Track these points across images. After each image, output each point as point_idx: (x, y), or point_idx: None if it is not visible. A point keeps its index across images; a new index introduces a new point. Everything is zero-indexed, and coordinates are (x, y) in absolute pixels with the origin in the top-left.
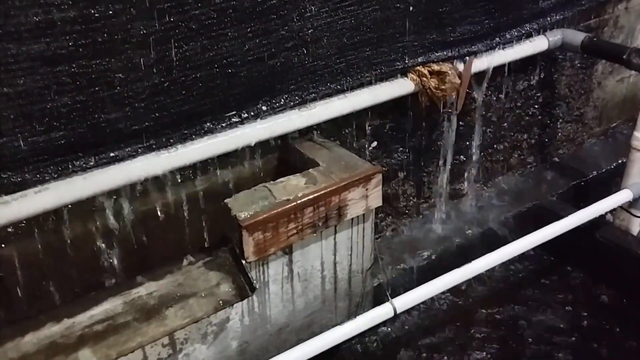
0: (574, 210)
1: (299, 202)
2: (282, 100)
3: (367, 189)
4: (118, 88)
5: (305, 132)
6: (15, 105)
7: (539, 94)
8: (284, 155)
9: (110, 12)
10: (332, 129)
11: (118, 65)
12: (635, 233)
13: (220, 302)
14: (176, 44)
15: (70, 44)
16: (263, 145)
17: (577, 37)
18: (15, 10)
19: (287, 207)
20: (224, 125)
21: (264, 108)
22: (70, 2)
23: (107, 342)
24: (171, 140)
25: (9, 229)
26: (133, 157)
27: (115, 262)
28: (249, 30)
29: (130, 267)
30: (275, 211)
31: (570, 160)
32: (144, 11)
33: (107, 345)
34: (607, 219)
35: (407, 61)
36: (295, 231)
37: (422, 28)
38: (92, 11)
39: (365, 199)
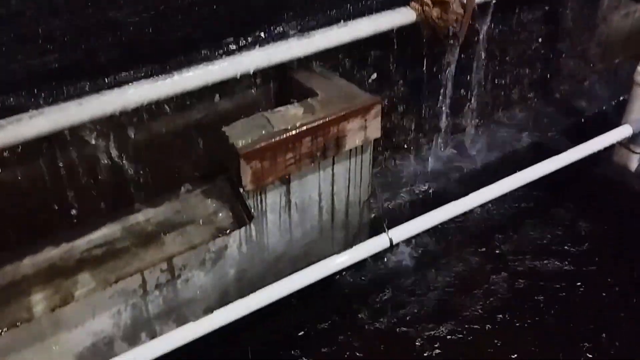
0: (573, 146)
1: (297, 131)
2: (281, 27)
3: (366, 120)
4: (113, 12)
5: (304, 62)
6: (8, 27)
7: (542, 28)
8: (282, 85)
9: None
10: (332, 59)
11: None
12: (633, 169)
13: (218, 230)
14: None
15: None
16: (261, 74)
17: None
18: None
19: (285, 136)
20: (221, 52)
21: (263, 35)
22: None
23: (106, 266)
24: (168, 67)
25: (5, 154)
26: (129, 83)
27: (113, 189)
28: None
29: (128, 195)
30: (273, 140)
31: (572, 96)
32: None
33: (106, 270)
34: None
35: None
36: (293, 161)
37: None
38: None
39: (364, 130)
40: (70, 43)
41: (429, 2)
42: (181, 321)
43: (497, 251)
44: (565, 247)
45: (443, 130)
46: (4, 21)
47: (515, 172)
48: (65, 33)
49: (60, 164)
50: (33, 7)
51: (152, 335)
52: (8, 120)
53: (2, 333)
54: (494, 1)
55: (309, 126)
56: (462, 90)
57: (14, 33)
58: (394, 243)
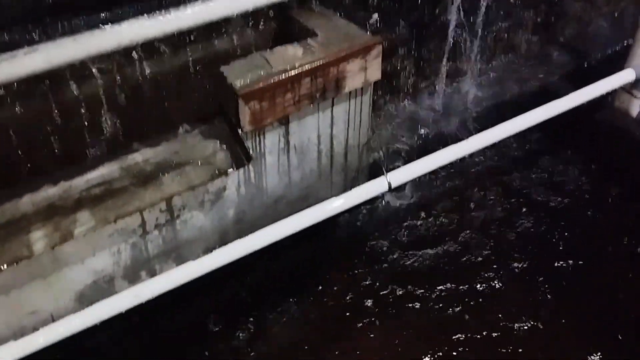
0: (575, 90)
1: (296, 72)
2: None
3: (366, 61)
4: None
5: (303, 1)
6: None
7: None
8: (281, 25)
9: None
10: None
11: None
12: (634, 115)
13: (217, 170)
14: None
15: None
16: (260, 14)
17: None
18: None
19: (284, 76)
20: None
21: None
22: None
23: (105, 205)
24: (164, 3)
25: (0, 91)
26: (125, 20)
27: (111, 129)
28: None
29: (125, 134)
30: (272, 80)
31: (576, 40)
32: None
33: (105, 209)
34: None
35: None
36: (292, 102)
37: None
38: None
39: (364, 72)
40: None
41: None
42: (181, 261)
43: (494, 193)
44: (564, 189)
45: (444, 73)
46: None
47: (516, 116)
48: None
49: (56, 103)
50: None
51: (152, 274)
52: (2, 57)
53: (3, 269)
54: None
55: (309, 66)
56: (465, 33)
57: None
58: (393, 186)
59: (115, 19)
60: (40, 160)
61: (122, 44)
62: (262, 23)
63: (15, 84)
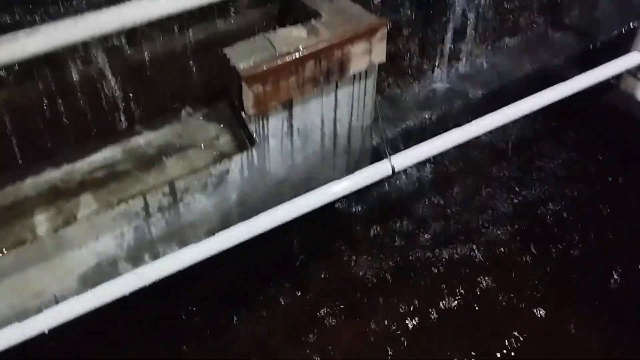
0: (581, 73)
1: (300, 55)
2: None
3: (371, 43)
4: None
5: None
6: None
7: None
8: (284, 5)
9: None
10: None
11: None
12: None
13: (220, 154)
14: None
15: None
16: None
17: None
18: None
19: (288, 59)
20: None
21: None
22: None
23: (108, 188)
24: None
25: (1, 73)
26: (127, 0)
27: (113, 111)
28: None
29: (128, 117)
30: (276, 63)
31: (581, 22)
32: None
33: (108, 192)
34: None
35: None
36: (296, 85)
37: None
38: None
39: (368, 54)
40: None
41: None
42: (184, 243)
43: (501, 176)
44: (570, 174)
45: (448, 55)
46: None
47: (520, 99)
48: None
49: (58, 84)
50: None
51: (156, 257)
52: (4, 38)
53: (7, 252)
54: None
55: (313, 49)
56: (470, 15)
57: None
58: (396, 170)
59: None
60: (42, 142)
61: (125, 24)
62: (265, 3)
63: (17, 65)
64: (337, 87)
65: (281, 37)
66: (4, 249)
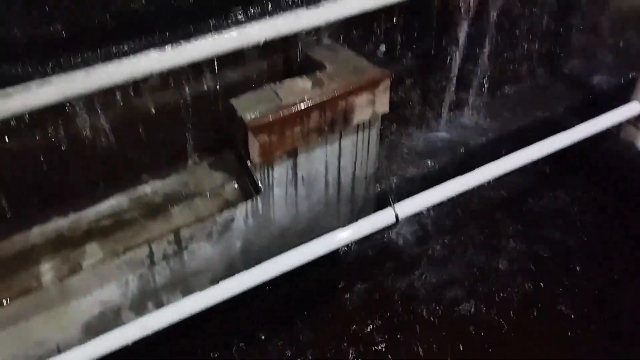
0: (580, 122)
1: (305, 105)
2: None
3: (374, 94)
4: None
5: (312, 32)
6: None
7: (553, 2)
8: (290, 57)
9: None
10: (340, 29)
11: None
12: None
13: (225, 202)
14: None
15: None
16: (269, 45)
17: None
18: None
19: (293, 110)
20: (230, 22)
21: (271, 5)
22: None
23: (114, 237)
24: (176, 36)
25: (12, 123)
26: (136, 53)
27: (120, 159)
28: None
29: (135, 166)
30: (282, 114)
31: (581, 72)
32: None
33: (114, 240)
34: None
35: None
36: (301, 135)
37: None
38: None
39: (372, 105)
40: (78, 10)
41: None
42: (188, 292)
43: (502, 225)
44: (569, 221)
45: (450, 103)
46: None
47: (522, 147)
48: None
49: (65, 133)
50: None
51: (159, 305)
52: (15, 88)
53: (12, 301)
54: None
55: (318, 100)
56: (471, 64)
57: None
58: (400, 218)
59: (128, 51)
60: (50, 191)
61: (134, 76)
62: (271, 54)
63: (27, 115)
64: (341, 136)
65: (287, 88)
66: (8, 298)
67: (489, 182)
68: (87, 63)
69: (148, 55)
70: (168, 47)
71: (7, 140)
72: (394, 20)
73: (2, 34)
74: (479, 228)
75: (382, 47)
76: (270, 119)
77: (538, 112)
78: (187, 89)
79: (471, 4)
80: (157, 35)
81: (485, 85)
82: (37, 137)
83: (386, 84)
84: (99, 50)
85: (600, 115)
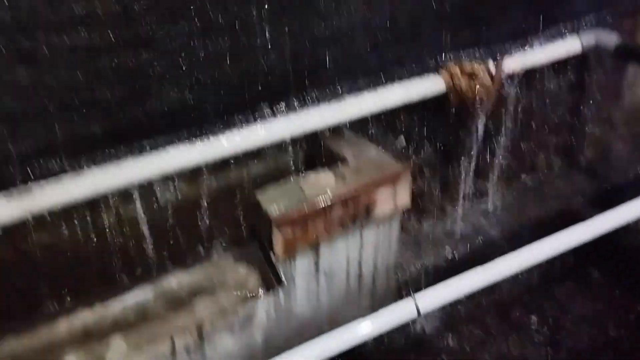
0: (598, 214)
1: (329, 200)
2: (315, 93)
3: (395, 189)
4: (155, 80)
5: (334, 127)
6: (57, 96)
7: (568, 95)
8: (312, 149)
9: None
10: (361, 123)
11: (156, 58)
12: None
13: (248, 294)
14: (204, 41)
15: (111, 36)
16: (292, 139)
17: (610, 39)
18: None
19: (317, 206)
20: (256, 117)
21: (297, 102)
22: None
23: (138, 329)
24: (205, 132)
25: (46, 214)
26: (167, 147)
27: (146, 251)
28: (285, 26)
29: (160, 257)
30: (306, 209)
31: (598, 163)
32: (180, 9)
33: (138, 333)
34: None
35: (438, 59)
36: (324, 229)
37: (456, 25)
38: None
39: (393, 199)
40: (115, 110)
41: (458, 73)
42: None
43: (525, 319)
44: (591, 316)
45: (469, 195)
46: (53, 91)
47: (540, 238)
48: (109, 101)
49: (92, 226)
50: (81, 78)
51: None
52: (48, 182)
53: None
54: (521, 71)
55: (341, 195)
56: (488, 156)
57: (60, 101)
58: (421, 313)
59: (159, 146)
60: (77, 283)
61: (164, 171)
62: (294, 146)
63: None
64: (362, 228)
65: (310, 183)
66: None
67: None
68: (119, 157)
69: (178, 150)
70: (197, 143)
71: (37, 233)
72: (413, 114)
73: (41, 130)
74: (497, 319)
75: (402, 140)
76: (295, 215)
77: (556, 203)
78: (212, 180)
79: (487, 99)
80: (187, 130)
81: (502, 177)
82: (66, 231)
83: (407, 178)
84: (132, 145)
85: (618, 208)
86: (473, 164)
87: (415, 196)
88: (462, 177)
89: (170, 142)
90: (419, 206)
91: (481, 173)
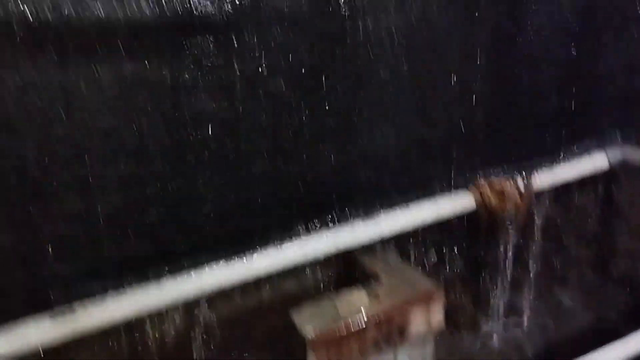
0: (635, 328)
1: (363, 322)
2: (348, 212)
3: (429, 309)
4: (198, 206)
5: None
6: (105, 223)
7: (598, 210)
8: (346, 266)
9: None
10: (393, 239)
11: (198, 185)
12: None
13: None
14: (247, 164)
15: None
16: (327, 257)
17: (636, 155)
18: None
19: (351, 326)
20: (291, 237)
21: (331, 221)
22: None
23: None
24: (242, 253)
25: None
26: (206, 267)
27: None
28: (323, 148)
29: None
30: (340, 330)
31: (631, 276)
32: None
33: None
34: None
35: (468, 176)
36: (358, 349)
37: (484, 144)
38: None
39: (427, 318)
40: (160, 233)
41: (488, 191)
42: None
43: None
44: None
45: (501, 309)
46: (100, 219)
47: (575, 352)
48: (154, 225)
49: (130, 345)
50: (131, 204)
51: None
52: (93, 301)
53: None
54: (550, 188)
55: (375, 316)
56: (520, 271)
57: (109, 229)
58: None
59: (198, 265)
60: None
61: (203, 290)
62: (328, 264)
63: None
64: (396, 348)
65: (345, 302)
66: None
67: None
68: (160, 277)
69: (216, 270)
70: (234, 263)
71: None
72: (444, 231)
73: (90, 252)
74: None
75: (433, 256)
76: (330, 336)
77: (590, 317)
78: (249, 296)
79: (517, 216)
80: (224, 251)
81: (534, 291)
82: (107, 348)
83: (440, 298)
84: (172, 265)
85: None
86: (505, 279)
87: (448, 309)
88: (495, 292)
89: (208, 261)
90: (451, 320)
91: (514, 288)
